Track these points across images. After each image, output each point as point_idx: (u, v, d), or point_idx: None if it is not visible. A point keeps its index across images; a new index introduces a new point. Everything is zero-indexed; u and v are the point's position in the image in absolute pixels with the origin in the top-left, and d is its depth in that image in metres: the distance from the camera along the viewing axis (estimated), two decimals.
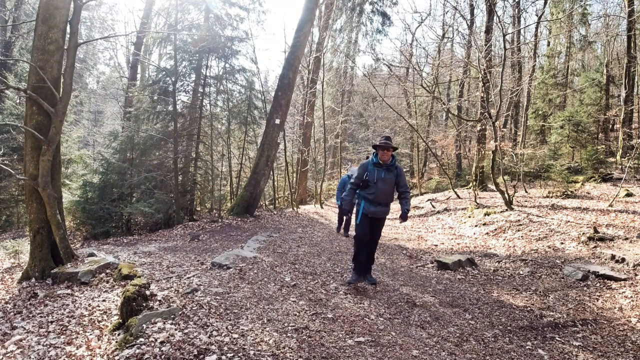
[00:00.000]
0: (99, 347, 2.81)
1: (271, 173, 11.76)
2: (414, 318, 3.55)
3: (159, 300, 3.42)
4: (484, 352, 2.90)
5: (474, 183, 12.24)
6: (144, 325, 2.83)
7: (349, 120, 22.64)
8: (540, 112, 17.90)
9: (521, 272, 5.04)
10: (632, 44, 14.87)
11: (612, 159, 13.21)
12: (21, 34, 14.31)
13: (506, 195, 8.73)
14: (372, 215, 4.28)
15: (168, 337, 2.69)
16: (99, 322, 3.25)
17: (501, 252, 6.11)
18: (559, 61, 20.63)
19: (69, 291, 4.00)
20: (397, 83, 19.49)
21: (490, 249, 6.46)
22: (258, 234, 7.83)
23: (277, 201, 14.72)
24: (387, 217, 4.49)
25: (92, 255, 5.03)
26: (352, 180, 4.37)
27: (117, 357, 2.52)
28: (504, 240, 6.80)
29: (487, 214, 8.49)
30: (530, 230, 6.82)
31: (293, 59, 10.63)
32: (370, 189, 4.22)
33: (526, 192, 10.89)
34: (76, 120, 18.54)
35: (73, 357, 2.72)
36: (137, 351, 2.51)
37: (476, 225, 8.12)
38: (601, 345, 3.06)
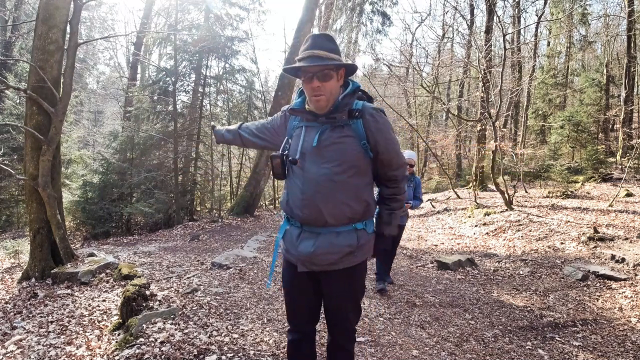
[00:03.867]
0: (99, 347, 2.81)
1: (271, 173, 11.75)
2: (414, 318, 3.54)
3: (159, 300, 3.42)
4: (484, 352, 2.90)
5: (474, 183, 12.24)
6: (144, 325, 2.83)
7: None
8: (540, 112, 17.90)
9: (521, 272, 5.04)
10: (632, 44, 14.89)
11: (612, 159, 13.21)
12: (21, 34, 14.31)
13: (506, 195, 8.73)
14: (300, 264, 1.65)
15: (168, 337, 2.69)
16: (99, 322, 3.25)
17: (501, 252, 6.11)
18: (559, 61, 20.63)
19: (69, 291, 4.00)
20: (397, 83, 19.49)
21: (490, 249, 6.46)
22: (258, 234, 7.83)
23: (277, 201, 14.71)
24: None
25: (92, 255, 5.04)
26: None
27: (117, 357, 2.52)
28: (504, 240, 6.80)
29: (487, 214, 8.49)
30: (530, 230, 6.82)
31: (293, 59, 10.63)
32: (288, 180, 1.69)
33: (526, 192, 10.89)
34: (76, 120, 18.55)
35: (73, 357, 2.72)
36: (137, 351, 2.51)
37: (476, 225, 8.12)
38: (601, 345, 3.06)
